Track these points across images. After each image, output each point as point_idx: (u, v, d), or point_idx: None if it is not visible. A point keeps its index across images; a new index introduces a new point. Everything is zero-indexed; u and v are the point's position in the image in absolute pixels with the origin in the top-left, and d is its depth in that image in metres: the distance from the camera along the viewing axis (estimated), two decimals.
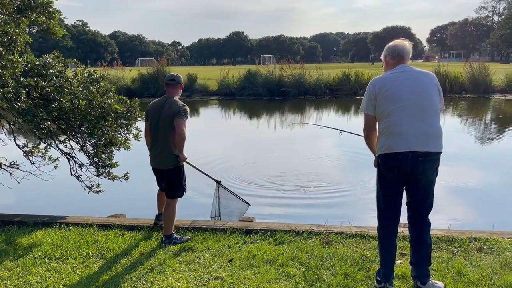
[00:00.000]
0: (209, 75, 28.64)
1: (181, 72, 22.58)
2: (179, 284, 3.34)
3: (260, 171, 8.07)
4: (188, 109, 4.18)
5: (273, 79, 24.07)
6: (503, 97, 21.23)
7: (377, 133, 3.18)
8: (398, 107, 3.00)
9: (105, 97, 5.11)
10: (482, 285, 3.22)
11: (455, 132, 12.21)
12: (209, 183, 5.27)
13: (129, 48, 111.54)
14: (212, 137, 12.73)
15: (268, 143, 11.49)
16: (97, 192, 5.33)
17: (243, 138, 12.73)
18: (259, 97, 23.47)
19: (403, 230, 4.00)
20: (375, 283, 3.19)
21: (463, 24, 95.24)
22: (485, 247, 3.88)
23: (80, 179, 5.38)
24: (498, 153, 9.90)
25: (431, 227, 3.19)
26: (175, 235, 4.28)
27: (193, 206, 5.98)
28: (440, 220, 4.61)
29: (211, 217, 5.05)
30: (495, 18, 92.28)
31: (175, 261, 3.76)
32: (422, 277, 3.09)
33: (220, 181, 5.04)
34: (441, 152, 3.03)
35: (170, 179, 4.31)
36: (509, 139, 11.63)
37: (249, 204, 5.37)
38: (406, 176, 3.04)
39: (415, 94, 3.00)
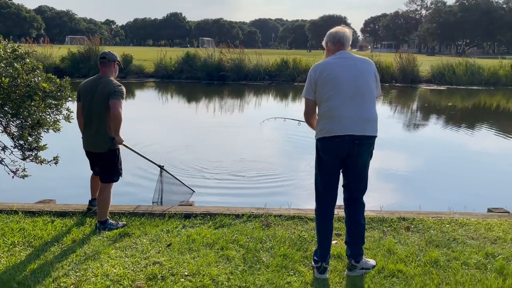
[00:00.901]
0: (146, 56, 27.72)
1: (115, 52, 21.71)
2: (115, 270, 3.22)
3: (199, 155, 7.98)
4: (124, 89, 3.99)
5: (212, 63, 23.82)
6: (428, 87, 22.67)
7: (317, 117, 3.24)
8: (337, 92, 3.07)
9: (31, 75, 4.74)
10: (409, 261, 3.43)
11: (385, 119, 12.86)
12: (152, 167, 5.11)
13: (57, 24, 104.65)
14: (149, 121, 12.36)
15: (207, 127, 11.37)
16: (23, 177, 4.94)
17: (182, 122, 12.50)
18: (198, 81, 23.15)
19: (338, 211, 4.13)
20: (312, 263, 3.29)
21: (394, 16, 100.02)
22: (412, 226, 4.14)
23: (3, 162, 4.98)
24: (424, 140, 10.60)
25: (365, 208, 3.33)
26: (110, 221, 4.11)
27: (133, 192, 5.79)
28: (372, 202, 4.83)
29: (152, 202, 4.92)
30: (423, 12, 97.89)
31: (111, 248, 3.62)
32: (356, 256, 3.23)
33: (163, 166, 4.91)
34: (376, 136, 3.16)
35: (105, 162, 4.12)
36: (433, 127, 12.47)
37: (193, 191, 5.30)
38: (343, 159, 3.14)
39: (353, 79, 3.09)
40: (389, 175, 7.00)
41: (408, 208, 4.69)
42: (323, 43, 3.36)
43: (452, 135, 11.23)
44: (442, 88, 22.32)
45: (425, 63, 25.54)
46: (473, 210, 4.71)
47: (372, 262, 3.37)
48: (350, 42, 3.30)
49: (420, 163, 8.08)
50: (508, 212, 4.66)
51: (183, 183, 5.19)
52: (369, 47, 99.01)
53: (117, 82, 4.04)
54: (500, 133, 11.33)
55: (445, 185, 6.67)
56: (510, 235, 3.96)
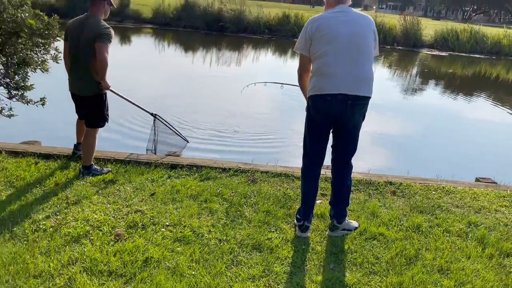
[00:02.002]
0: (143, 1, 26.74)
1: None
2: (95, 216, 3.20)
3: (190, 107, 7.86)
4: (111, 32, 3.80)
5: (212, 12, 23.05)
6: (430, 52, 22.26)
7: (310, 74, 3.12)
8: (332, 48, 2.93)
9: (18, 10, 4.52)
10: (392, 225, 3.44)
11: (382, 82, 12.67)
12: (144, 115, 4.98)
13: None
14: (143, 68, 12.07)
15: (201, 79, 11.15)
16: (9, 116, 4.83)
17: (177, 72, 12.23)
18: (196, 30, 22.50)
19: (326, 171, 4.10)
20: (295, 221, 3.28)
21: None
22: (398, 191, 4.13)
23: None
24: (419, 106, 10.47)
25: (352, 170, 3.29)
26: (95, 166, 4.06)
27: (123, 139, 5.72)
28: (361, 164, 4.80)
29: (146, 150, 4.86)
30: None
31: (93, 193, 3.58)
32: (339, 217, 3.22)
33: (156, 114, 4.79)
34: (370, 97, 3.05)
35: (91, 107, 4.00)
36: (430, 94, 12.33)
37: (187, 141, 5.22)
38: (333, 119, 3.05)
39: (351, 35, 2.94)
40: (380, 138, 6.96)
41: (396, 173, 4.67)
42: None
43: (449, 103, 11.14)
44: (443, 54, 21.93)
45: (429, 27, 24.92)
46: (461, 179, 4.71)
47: (354, 223, 3.37)
48: None
49: (412, 128, 8.03)
50: (495, 183, 4.66)
51: (178, 133, 5.10)
52: (374, 7, 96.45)
53: (105, 24, 3.84)
54: (497, 104, 11.24)
55: (436, 152, 6.65)
56: (494, 205, 3.97)
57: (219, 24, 22.71)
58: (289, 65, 14.97)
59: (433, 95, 12.12)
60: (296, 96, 7.57)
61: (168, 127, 4.95)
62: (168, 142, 4.96)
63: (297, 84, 3.30)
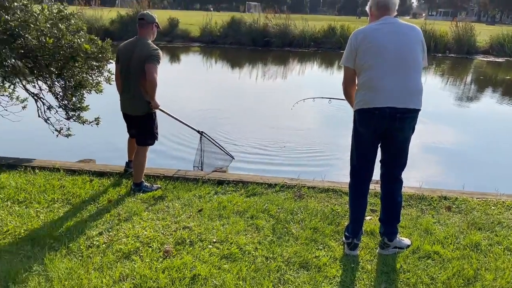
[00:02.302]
0: (192, 20, 27.61)
1: (162, 15, 21.66)
2: (145, 232, 3.28)
3: (237, 122, 7.95)
4: (160, 53, 3.94)
5: (257, 28, 23.38)
6: (485, 59, 21.24)
7: (356, 88, 3.06)
8: (379, 61, 2.86)
9: (75, 36, 4.80)
10: (447, 243, 3.26)
11: (434, 91, 12.22)
12: (191, 133, 5.09)
13: None
14: (192, 85, 12.41)
15: (248, 94, 11.28)
16: (67, 136, 5.13)
17: (224, 88, 12.45)
18: (242, 46, 22.88)
19: (375, 186, 3.98)
20: (343, 238, 3.19)
21: None
22: (454, 206, 3.92)
23: (48, 121, 5.15)
24: (474, 115, 9.94)
25: (402, 185, 3.16)
26: (145, 183, 4.18)
27: (171, 156, 5.87)
28: (412, 178, 4.62)
29: (193, 166, 4.97)
30: None
31: (143, 209, 3.68)
32: (390, 234, 3.09)
33: (203, 131, 4.91)
34: (419, 110, 2.94)
35: (141, 126, 4.14)
36: (486, 101, 11.70)
37: (233, 158, 5.29)
38: (382, 133, 2.96)
39: (397, 47, 2.85)
40: (432, 150, 6.66)
41: (450, 187, 4.44)
42: (367, 8, 3.12)
43: (507, 111, 10.51)
44: (500, 60, 20.82)
45: (484, 33, 23.84)
46: None
47: (406, 241, 3.23)
48: (397, 7, 3.04)
49: (468, 139, 7.61)
50: None
51: (223, 149, 5.18)
52: (423, 14, 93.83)
53: (154, 45, 3.99)
54: None
55: (494, 164, 6.26)
56: None
57: (264, 39, 22.97)
58: (336, 77, 14.82)
59: (490, 103, 11.48)
60: (344, 107, 7.47)
61: (214, 144, 5.03)
62: (214, 158, 5.04)
63: (344, 98, 3.25)
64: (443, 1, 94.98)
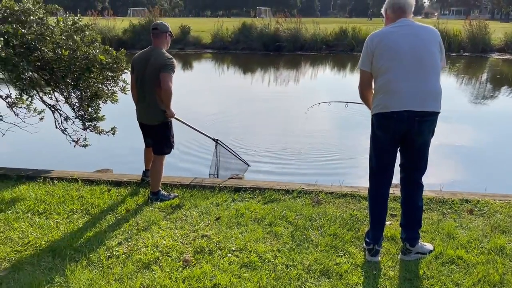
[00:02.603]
0: (203, 27, 27.80)
1: (174, 23, 21.81)
2: (164, 242, 3.28)
3: (251, 128, 7.94)
4: (175, 62, 3.95)
5: (268, 33, 23.43)
6: (500, 57, 20.90)
7: (373, 91, 3.02)
8: (396, 63, 2.82)
9: (90, 47, 4.86)
10: (471, 247, 3.19)
11: (450, 91, 12.04)
12: (207, 140, 5.09)
13: None
14: (204, 92, 12.47)
15: (260, 99, 11.26)
16: (84, 146, 5.18)
17: (237, 94, 12.48)
18: (254, 51, 22.94)
19: (394, 190, 3.93)
20: (364, 244, 3.15)
21: None
22: (476, 209, 3.84)
23: (66, 132, 5.22)
24: (493, 114, 9.73)
25: (423, 189, 3.10)
26: (162, 192, 4.19)
27: (188, 164, 5.87)
28: (432, 181, 4.53)
29: (209, 174, 4.98)
30: None
31: (161, 218, 3.68)
32: (411, 239, 3.04)
33: (218, 139, 4.91)
34: (439, 113, 2.88)
35: (157, 135, 4.16)
36: (505, 100, 11.48)
37: (248, 165, 5.28)
38: (400, 137, 2.92)
39: (414, 49, 2.81)
40: (452, 151, 6.54)
41: (472, 189, 4.35)
42: (382, 10, 3.09)
43: None
44: None
45: (498, 30, 23.45)
46: None
47: (429, 246, 3.16)
48: (413, 9, 3.00)
49: (488, 139, 7.43)
50: None
51: (238, 157, 5.17)
52: (435, 14, 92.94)
53: (168, 54, 4.01)
54: None
55: None
56: None
57: (276, 44, 22.99)
58: (349, 79, 14.73)
59: (509, 102, 11.25)
60: (360, 110, 7.41)
61: (229, 151, 5.03)
62: (229, 166, 5.03)
63: (360, 101, 3.21)
64: (455, 0, 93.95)
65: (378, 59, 2.88)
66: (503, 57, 20.79)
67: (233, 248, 3.18)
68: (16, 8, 4.55)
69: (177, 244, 3.24)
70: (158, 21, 4.21)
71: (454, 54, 21.26)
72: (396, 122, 2.84)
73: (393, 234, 3.36)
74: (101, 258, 3.07)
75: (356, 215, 3.72)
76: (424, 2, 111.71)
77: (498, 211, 3.79)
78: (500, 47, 22.17)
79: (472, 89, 13.37)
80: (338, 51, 22.54)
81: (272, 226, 3.52)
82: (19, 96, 4.91)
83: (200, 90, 12.59)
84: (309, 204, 3.95)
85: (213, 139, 4.88)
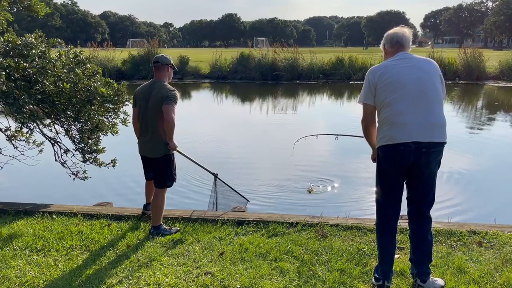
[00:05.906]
0: (201, 57, 28.20)
1: (172, 54, 22.14)
2: (167, 280, 3.17)
3: (251, 158, 7.89)
4: (177, 94, 3.94)
5: (266, 63, 23.75)
6: (496, 84, 21.14)
7: (377, 124, 3.00)
8: (400, 95, 2.82)
9: (91, 79, 4.86)
10: (483, 282, 3.09)
11: (451, 119, 12.01)
12: (207, 173, 5.01)
13: (120, 28, 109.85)
14: (204, 122, 12.48)
15: (261, 128, 11.27)
16: (83, 178, 5.11)
17: (236, 123, 12.49)
18: (252, 81, 23.17)
19: (400, 222, 3.84)
20: (373, 280, 3.05)
21: (457, 9, 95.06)
22: (485, 241, 3.75)
23: (65, 165, 5.15)
24: (498, 142, 9.47)
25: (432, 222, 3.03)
26: (164, 226, 4.09)
27: (188, 198, 5.78)
28: (439, 212, 4.47)
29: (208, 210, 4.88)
30: (489, 4, 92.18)
31: (163, 255, 3.58)
32: (423, 274, 2.95)
33: (217, 174, 4.84)
34: (445, 143, 2.86)
35: (160, 168, 4.10)
36: (507, 128, 11.44)
37: (248, 200, 5.21)
38: (407, 169, 2.87)
39: (418, 81, 2.82)
40: (458, 182, 6.39)
41: (479, 220, 4.28)
42: (381, 46, 3.11)
43: None
44: None
45: (492, 58, 23.84)
46: None
47: (440, 281, 3.06)
48: (411, 43, 3.02)
49: (494, 169, 7.23)
50: None
51: (237, 192, 5.11)
52: (429, 42, 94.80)
53: (170, 86, 4.00)
54: None
55: None
56: None
57: (273, 73, 23.26)
58: (347, 105, 14.81)
59: (511, 129, 11.18)
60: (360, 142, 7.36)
61: (228, 187, 4.96)
62: (228, 203, 4.95)
63: (355, 134, 3.17)
64: (448, 29, 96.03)
65: (382, 91, 2.88)
66: (498, 85, 21.03)
67: (238, 286, 3.07)
68: (19, 42, 4.57)
69: (180, 282, 3.14)
70: (159, 54, 4.23)
71: (450, 82, 21.45)
72: (403, 154, 2.80)
73: (402, 269, 3.26)
74: None
75: (363, 248, 3.63)
76: (418, 32, 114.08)
77: (508, 243, 3.70)
78: (495, 74, 22.46)
79: (473, 117, 13.34)
80: (335, 80, 22.79)
81: (277, 262, 3.42)
82: (19, 129, 4.88)
83: (199, 120, 12.60)
84: (314, 237, 3.86)
85: (212, 174, 4.81)
